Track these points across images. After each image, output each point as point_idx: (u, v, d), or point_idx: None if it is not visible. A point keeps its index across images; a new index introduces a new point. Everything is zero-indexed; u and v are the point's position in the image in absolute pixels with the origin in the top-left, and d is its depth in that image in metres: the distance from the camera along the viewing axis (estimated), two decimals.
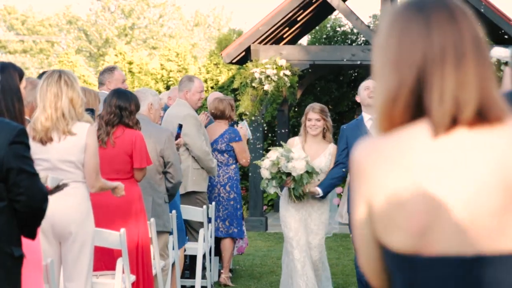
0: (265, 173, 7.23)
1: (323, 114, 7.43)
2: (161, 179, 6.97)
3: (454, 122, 1.83)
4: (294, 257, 7.26)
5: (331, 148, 7.48)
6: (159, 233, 6.81)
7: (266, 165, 7.20)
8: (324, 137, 7.49)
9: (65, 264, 5.39)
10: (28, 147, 3.68)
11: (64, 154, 5.32)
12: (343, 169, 7.27)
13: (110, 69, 8.17)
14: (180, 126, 7.69)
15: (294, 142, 7.50)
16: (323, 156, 7.43)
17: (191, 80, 8.53)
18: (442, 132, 1.83)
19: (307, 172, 7.16)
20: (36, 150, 5.15)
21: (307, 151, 7.35)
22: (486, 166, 1.81)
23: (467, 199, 1.80)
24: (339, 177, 7.34)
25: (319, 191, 7.28)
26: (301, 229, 7.33)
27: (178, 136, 7.59)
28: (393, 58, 1.87)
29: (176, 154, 7.08)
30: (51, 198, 4.74)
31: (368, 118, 7.15)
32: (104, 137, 6.38)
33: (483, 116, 1.83)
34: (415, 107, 1.85)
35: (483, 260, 1.81)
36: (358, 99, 7.41)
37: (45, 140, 5.32)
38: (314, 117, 7.41)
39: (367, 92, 7.20)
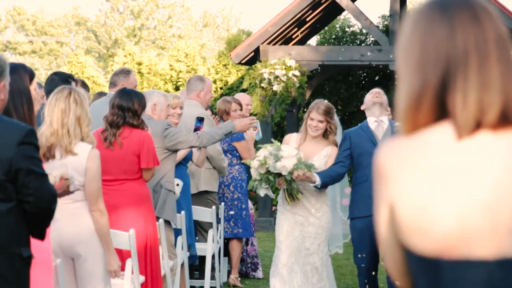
0: (253, 174, 6.67)
1: (328, 116, 6.80)
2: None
3: (478, 125, 1.81)
4: (280, 261, 6.78)
5: (330, 149, 6.89)
6: None
7: (255, 165, 6.63)
8: (326, 137, 6.90)
9: (79, 279, 5.40)
10: (37, 148, 3.67)
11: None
12: (344, 167, 6.84)
13: (126, 72, 8.10)
14: (199, 120, 7.66)
15: (290, 139, 6.94)
16: (317, 156, 6.85)
17: (203, 80, 8.56)
18: (465, 135, 1.81)
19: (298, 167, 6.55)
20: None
21: (303, 150, 6.78)
22: (510, 170, 1.79)
23: (490, 203, 1.78)
24: (340, 173, 6.84)
25: (316, 178, 6.63)
26: (295, 234, 6.80)
27: (198, 129, 7.56)
28: (417, 60, 1.85)
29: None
30: (57, 218, 4.72)
31: (373, 120, 6.90)
32: (111, 138, 6.35)
33: (507, 119, 1.82)
34: (439, 109, 1.84)
35: (507, 263, 1.79)
36: (363, 107, 7.09)
37: (47, 157, 5.29)
38: (317, 118, 6.79)
39: (372, 95, 6.95)
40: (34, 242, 3.92)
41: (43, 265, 4.43)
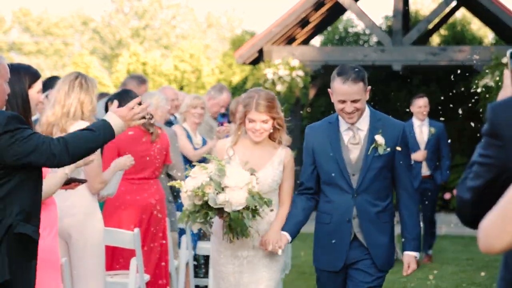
0: (185, 201, 4.68)
1: (272, 111, 4.86)
2: (164, 178, 7.02)
3: None
4: None
5: (283, 153, 4.95)
6: None
7: (187, 193, 4.64)
8: (273, 138, 4.97)
9: (72, 264, 5.44)
10: (21, 129, 3.74)
11: None
12: (312, 198, 4.90)
13: (141, 81, 8.07)
14: (222, 115, 7.75)
15: (226, 146, 4.98)
16: (269, 166, 4.90)
17: (221, 92, 8.63)
18: None
19: (247, 208, 4.61)
20: None
21: (243, 158, 4.87)
22: None
23: None
24: (309, 214, 4.93)
25: (288, 237, 4.84)
26: (244, 280, 4.91)
27: (221, 124, 7.64)
28: None
29: (177, 154, 7.09)
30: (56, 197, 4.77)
31: (346, 127, 4.80)
32: (152, 129, 6.41)
33: None
34: None
35: None
36: (338, 99, 4.72)
37: (46, 135, 5.39)
38: (259, 118, 4.85)
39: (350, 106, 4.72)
40: (41, 243, 3.96)
41: (50, 265, 4.46)
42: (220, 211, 4.61)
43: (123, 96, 6.44)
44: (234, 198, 4.54)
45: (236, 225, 4.63)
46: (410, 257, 4.76)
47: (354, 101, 4.68)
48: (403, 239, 4.79)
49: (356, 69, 4.74)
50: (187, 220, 4.66)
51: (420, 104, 9.97)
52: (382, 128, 4.74)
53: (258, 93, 4.87)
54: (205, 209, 4.59)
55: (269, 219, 4.89)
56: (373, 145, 4.73)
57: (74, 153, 3.82)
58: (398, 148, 4.72)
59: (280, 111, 4.92)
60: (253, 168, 4.75)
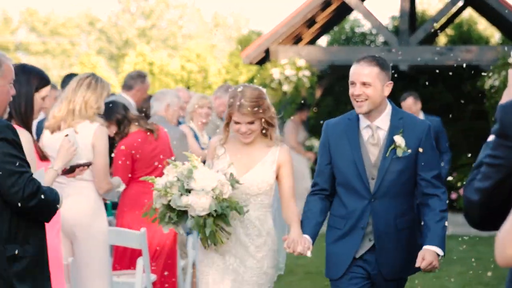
0: (155, 197, 4.37)
1: (259, 110, 4.46)
2: None
3: None
4: None
5: (277, 152, 4.58)
6: None
7: (157, 191, 4.35)
8: (265, 135, 4.59)
9: (77, 263, 5.46)
10: (15, 143, 3.58)
11: None
12: (327, 198, 4.54)
13: (143, 77, 8.06)
14: None
15: (217, 145, 4.64)
16: (260, 166, 4.55)
17: (227, 92, 8.66)
18: None
19: (212, 215, 4.28)
20: (47, 142, 5.30)
21: (234, 157, 4.55)
22: None
23: None
24: (326, 215, 4.56)
25: (310, 240, 4.43)
26: (225, 287, 4.53)
27: None
28: None
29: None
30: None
31: (365, 125, 4.44)
32: (150, 126, 6.44)
33: None
34: None
35: None
36: (366, 92, 4.37)
37: (52, 130, 5.43)
38: (244, 120, 4.47)
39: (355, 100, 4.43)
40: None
41: (53, 264, 4.45)
42: (185, 213, 4.29)
43: (112, 109, 6.45)
44: (197, 203, 4.22)
45: (198, 231, 4.34)
46: (425, 250, 4.27)
47: (364, 85, 4.33)
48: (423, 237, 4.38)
49: (377, 56, 4.42)
50: (160, 217, 4.35)
51: (405, 107, 9.77)
52: (403, 127, 4.38)
53: (242, 92, 4.46)
54: (168, 209, 4.31)
55: (258, 226, 4.58)
56: (392, 146, 4.37)
57: (39, 202, 3.60)
58: (420, 150, 4.35)
59: (269, 107, 4.51)
60: (232, 173, 4.38)
